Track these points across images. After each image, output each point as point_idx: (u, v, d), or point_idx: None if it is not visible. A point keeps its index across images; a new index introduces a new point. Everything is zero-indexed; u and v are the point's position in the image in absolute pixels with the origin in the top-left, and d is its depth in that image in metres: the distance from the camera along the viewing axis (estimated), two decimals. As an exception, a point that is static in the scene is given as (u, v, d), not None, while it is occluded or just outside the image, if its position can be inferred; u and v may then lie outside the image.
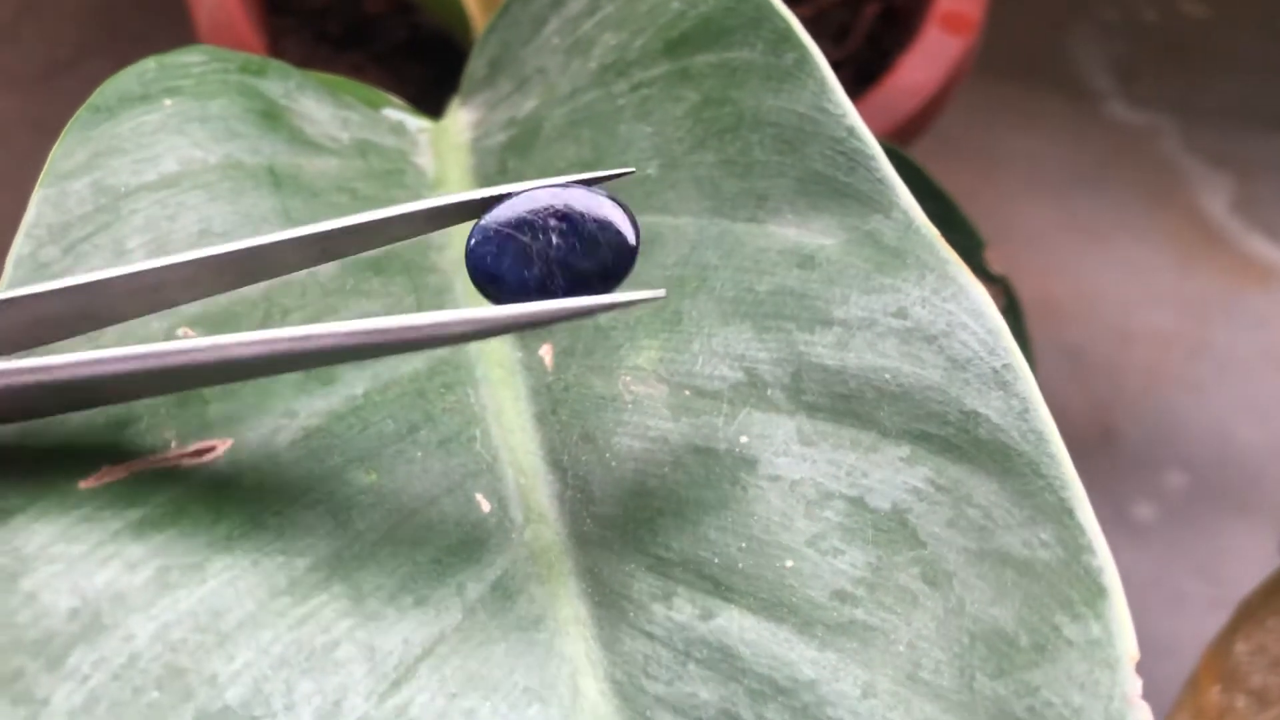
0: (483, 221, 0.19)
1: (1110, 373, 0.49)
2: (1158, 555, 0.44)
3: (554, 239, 0.18)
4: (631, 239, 0.19)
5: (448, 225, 0.19)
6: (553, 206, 0.19)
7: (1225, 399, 0.48)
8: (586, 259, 0.18)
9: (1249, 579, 0.38)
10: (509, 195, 0.19)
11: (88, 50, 0.55)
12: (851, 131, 0.21)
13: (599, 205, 0.19)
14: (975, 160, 0.53)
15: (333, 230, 0.19)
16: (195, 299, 0.20)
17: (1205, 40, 0.57)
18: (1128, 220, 0.52)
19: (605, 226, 0.18)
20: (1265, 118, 0.55)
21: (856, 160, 0.21)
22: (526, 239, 0.18)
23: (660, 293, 0.19)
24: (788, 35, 0.23)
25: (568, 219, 0.18)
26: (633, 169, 0.20)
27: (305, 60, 0.45)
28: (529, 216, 0.18)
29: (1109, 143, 0.54)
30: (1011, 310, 0.35)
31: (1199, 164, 0.54)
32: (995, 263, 0.36)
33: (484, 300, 0.20)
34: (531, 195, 0.19)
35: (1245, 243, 0.52)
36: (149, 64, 0.25)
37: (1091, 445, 0.47)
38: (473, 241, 0.19)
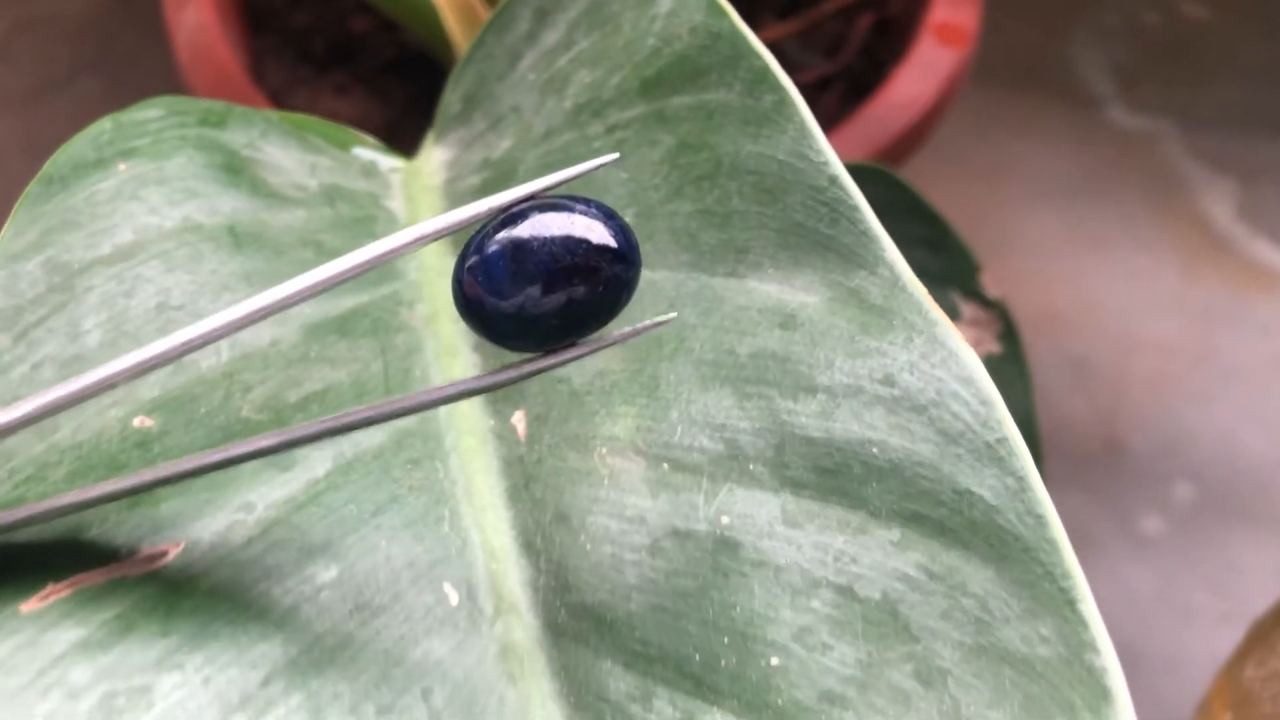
0: (469, 264, 0.17)
1: (1115, 383, 0.48)
2: (1166, 568, 0.43)
3: (552, 289, 0.16)
4: (632, 270, 0.17)
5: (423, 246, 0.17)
6: (549, 249, 0.16)
7: (1232, 408, 0.47)
8: (584, 308, 0.17)
9: (1259, 591, 0.37)
10: (496, 221, 0.17)
11: (80, 69, 0.55)
12: (833, 180, 0.20)
13: (598, 237, 0.16)
14: (975, 169, 0.52)
15: (278, 300, 0.17)
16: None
17: (1207, 44, 0.56)
18: (1131, 227, 0.51)
19: (601, 261, 0.16)
20: (1269, 122, 0.53)
21: (839, 211, 0.20)
22: (520, 290, 0.16)
23: (670, 316, 0.17)
24: (765, 75, 0.21)
25: (560, 263, 0.16)
26: (617, 154, 0.18)
27: (288, 80, 0.44)
28: (525, 262, 0.16)
29: (1110, 149, 0.53)
30: (1009, 335, 0.34)
31: (1202, 169, 0.52)
32: (994, 278, 0.35)
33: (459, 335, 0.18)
34: (531, 226, 0.16)
35: (1250, 249, 0.51)
36: (105, 124, 0.23)
37: (1097, 457, 0.46)
38: (462, 285, 0.17)
